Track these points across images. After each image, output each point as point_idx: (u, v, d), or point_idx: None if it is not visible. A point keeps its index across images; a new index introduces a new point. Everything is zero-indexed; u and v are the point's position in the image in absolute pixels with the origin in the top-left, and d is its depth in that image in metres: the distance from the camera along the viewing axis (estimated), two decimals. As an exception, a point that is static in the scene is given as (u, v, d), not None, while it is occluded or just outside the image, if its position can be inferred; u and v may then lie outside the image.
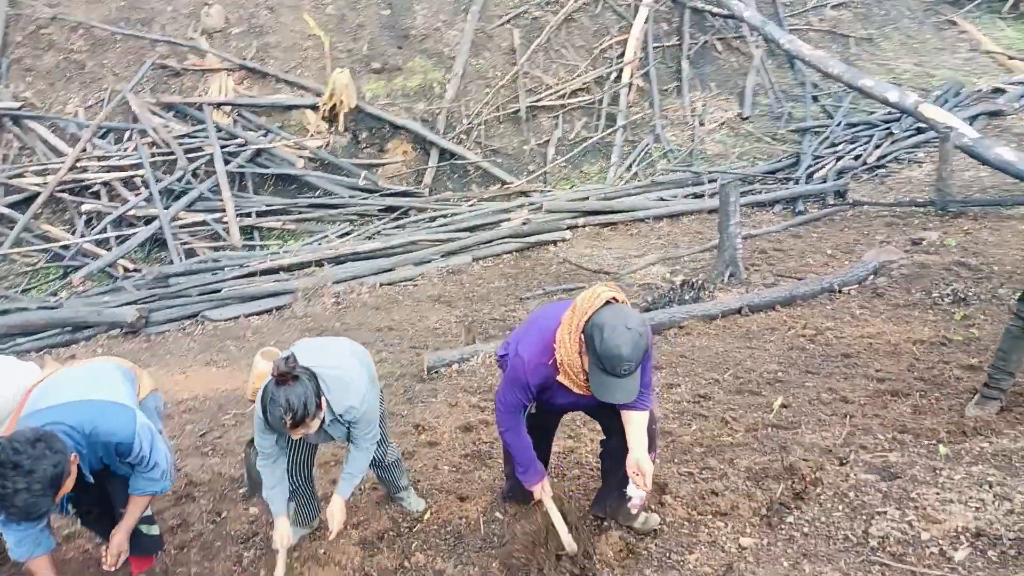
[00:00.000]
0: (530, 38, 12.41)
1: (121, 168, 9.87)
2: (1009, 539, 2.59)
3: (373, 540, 3.31)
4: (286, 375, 2.59)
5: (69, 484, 2.44)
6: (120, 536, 2.83)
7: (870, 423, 3.85)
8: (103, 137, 10.22)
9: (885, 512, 2.82)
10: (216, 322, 7.75)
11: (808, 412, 4.08)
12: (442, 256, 8.99)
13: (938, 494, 2.87)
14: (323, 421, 2.78)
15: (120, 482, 2.86)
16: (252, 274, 8.47)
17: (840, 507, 2.98)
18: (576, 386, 2.68)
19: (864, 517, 2.85)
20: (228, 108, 10.72)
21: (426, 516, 3.44)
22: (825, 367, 4.73)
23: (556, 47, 12.60)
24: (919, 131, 11.28)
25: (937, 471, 3.11)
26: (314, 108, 10.94)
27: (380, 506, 3.57)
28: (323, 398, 2.72)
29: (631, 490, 2.83)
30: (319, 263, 8.70)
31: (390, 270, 8.72)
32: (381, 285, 8.46)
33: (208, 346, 7.11)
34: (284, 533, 2.93)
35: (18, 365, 3.22)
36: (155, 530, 3.13)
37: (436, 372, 5.57)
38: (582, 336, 2.55)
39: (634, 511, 2.96)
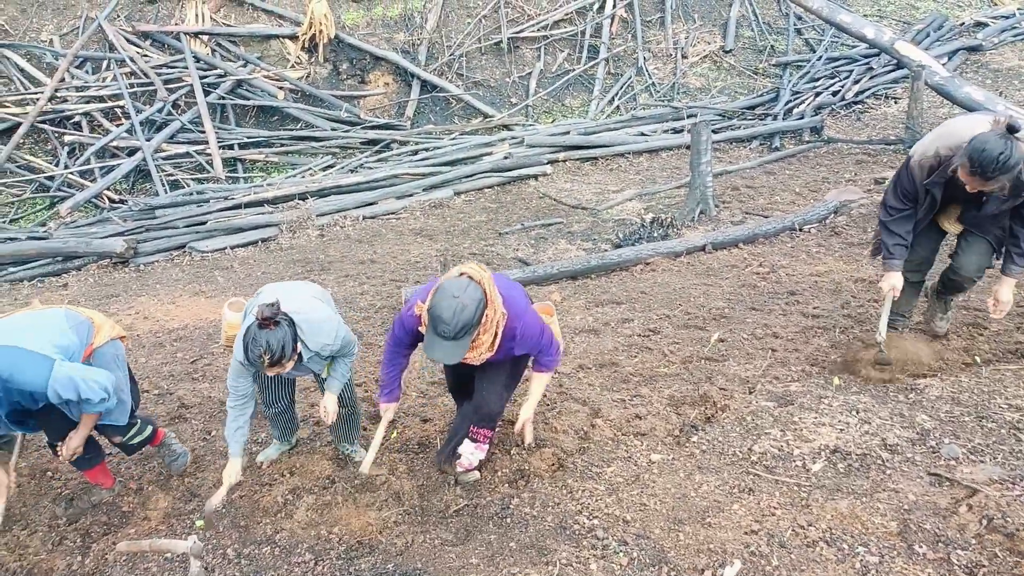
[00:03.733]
0: (513, -34, 12.23)
1: (101, 99, 9.88)
2: (856, 454, 3.07)
3: (342, 455, 3.73)
4: (269, 320, 2.90)
5: None
6: (74, 441, 3.20)
7: (789, 356, 4.24)
8: (80, 67, 10.18)
9: (770, 433, 3.26)
10: (203, 253, 7.99)
11: (739, 346, 4.45)
12: (424, 190, 9.18)
13: (816, 418, 3.32)
14: (301, 358, 3.13)
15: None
16: (237, 206, 8.65)
17: (737, 429, 3.41)
18: None
19: (753, 437, 3.30)
20: (206, 37, 10.64)
21: (393, 435, 3.84)
22: (769, 304, 5.08)
23: (539, -25, 12.44)
24: (898, 66, 11.36)
25: (822, 399, 3.55)
26: (293, 38, 10.88)
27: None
28: (298, 342, 3.07)
29: (463, 449, 3.28)
30: (303, 196, 8.89)
31: (373, 203, 8.92)
32: (364, 218, 8.68)
33: (196, 276, 7.35)
34: (234, 471, 3.29)
35: None
36: (145, 433, 3.51)
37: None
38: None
39: (459, 469, 3.35)
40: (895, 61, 11.01)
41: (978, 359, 3.88)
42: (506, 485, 3.34)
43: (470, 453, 3.25)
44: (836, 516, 2.69)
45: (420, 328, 3.01)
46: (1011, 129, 3.00)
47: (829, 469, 2.99)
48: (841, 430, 3.19)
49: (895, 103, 11.20)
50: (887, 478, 2.87)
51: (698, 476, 3.08)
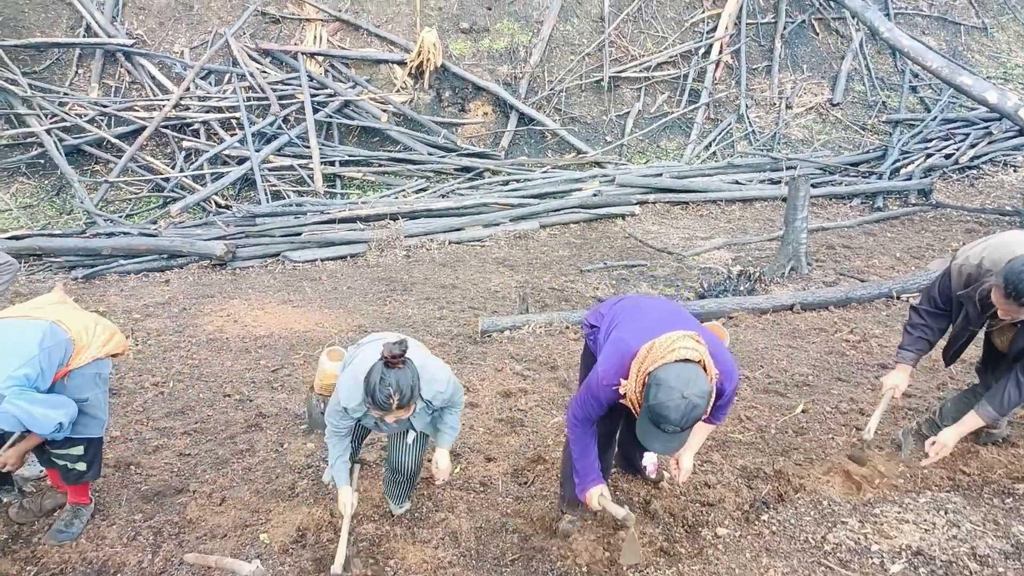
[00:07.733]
0: (620, 6, 12.31)
1: (219, 109, 10.51)
2: (942, 560, 2.83)
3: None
4: (398, 358, 2.73)
5: None
6: (10, 452, 3.14)
7: (875, 438, 3.96)
8: (204, 78, 10.86)
9: (847, 522, 3.06)
10: (295, 263, 8.32)
11: (821, 420, 4.23)
12: (511, 220, 9.28)
13: (899, 512, 3.08)
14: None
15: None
16: (331, 221, 8.99)
17: (812, 512, 3.22)
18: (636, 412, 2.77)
19: (828, 524, 3.09)
20: (321, 58, 11.18)
21: (456, 471, 3.83)
22: (857, 376, 4.83)
23: (646, 17, 12.47)
24: (1021, 133, 10.76)
25: (908, 492, 3.29)
26: (402, 64, 11.28)
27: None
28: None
29: (647, 460, 3.44)
30: (394, 216, 9.14)
31: (460, 229, 9.09)
32: (450, 243, 8.85)
33: (286, 285, 7.64)
34: (348, 500, 3.15)
35: None
36: (81, 466, 3.33)
37: (489, 336, 5.90)
38: (646, 379, 2.61)
39: (652, 475, 3.54)
40: (1017, 128, 10.43)
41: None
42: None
43: (652, 459, 3.42)
44: (913, 626, 2.52)
45: (622, 401, 2.76)
46: None
47: (910, 572, 2.79)
48: (926, 530, 2.98)
49: (1014, 171, 10.60)
50: (974, 591, 2.66)
51: (765, 559, 2.94)
